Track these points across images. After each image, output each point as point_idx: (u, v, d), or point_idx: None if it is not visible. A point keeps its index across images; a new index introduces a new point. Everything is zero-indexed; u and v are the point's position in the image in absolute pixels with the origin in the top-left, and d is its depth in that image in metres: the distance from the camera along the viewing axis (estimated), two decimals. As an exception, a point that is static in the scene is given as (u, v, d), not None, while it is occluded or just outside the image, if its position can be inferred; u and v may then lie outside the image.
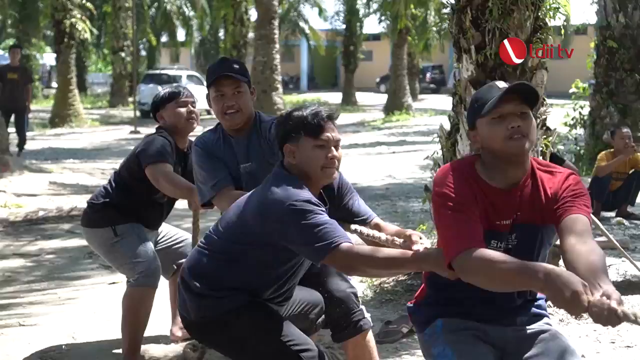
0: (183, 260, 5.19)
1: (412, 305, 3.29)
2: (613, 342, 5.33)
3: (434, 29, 29.72)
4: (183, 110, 4.96)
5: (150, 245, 5.01)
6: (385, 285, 6.42)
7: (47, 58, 44.10)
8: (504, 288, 2.82)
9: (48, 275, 7.26)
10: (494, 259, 2.69)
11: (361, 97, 39.18)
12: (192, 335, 3.75)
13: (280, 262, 3.45)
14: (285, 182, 3.34)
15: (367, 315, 4.03)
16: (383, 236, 3.45)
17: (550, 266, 2.57)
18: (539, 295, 3.16)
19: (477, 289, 2.81)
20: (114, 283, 6.87)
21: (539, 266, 2.58)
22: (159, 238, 5.25)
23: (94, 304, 6.32)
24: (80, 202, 10.87)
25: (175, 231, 5.36)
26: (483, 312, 3.08)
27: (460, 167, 3.00)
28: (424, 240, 3.25)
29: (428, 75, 46.57)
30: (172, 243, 5.27)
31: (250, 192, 3.51)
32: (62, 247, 8.41)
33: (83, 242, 8.53)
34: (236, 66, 4.28)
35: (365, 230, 3.60)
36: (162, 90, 5.14)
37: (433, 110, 30.08)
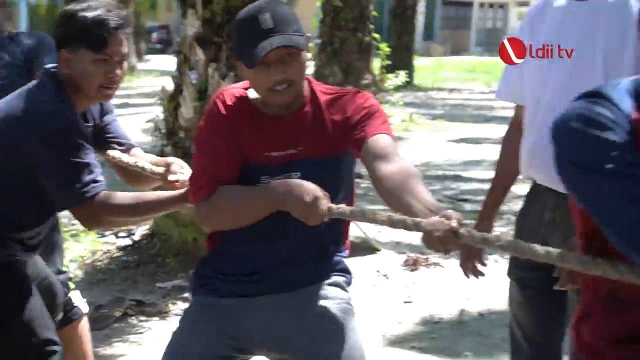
0: None
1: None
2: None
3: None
4: None
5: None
6: (98, 264, 5.90)
7: None
8: (250, 217, 2.51)
9: None
10: (233, 191, 2.52)
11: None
12: None
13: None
14: (47, 94, 2.78)
15: (81, 302, 3.58)
16: (147, 165, 3.04)
17: (290, 180, 2.46)
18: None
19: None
20: None
21: (277, 182, 2.46)
22: None
23: None
24: None
25: None
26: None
27: (231, 95, 2.60)
28: (185, 170, 2.93)
29: (155, 35, 45.66)
30: None
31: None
32: None
33: None
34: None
35: (125, 158, 3.11)
36: None
37: (158, 72, 29.40)
